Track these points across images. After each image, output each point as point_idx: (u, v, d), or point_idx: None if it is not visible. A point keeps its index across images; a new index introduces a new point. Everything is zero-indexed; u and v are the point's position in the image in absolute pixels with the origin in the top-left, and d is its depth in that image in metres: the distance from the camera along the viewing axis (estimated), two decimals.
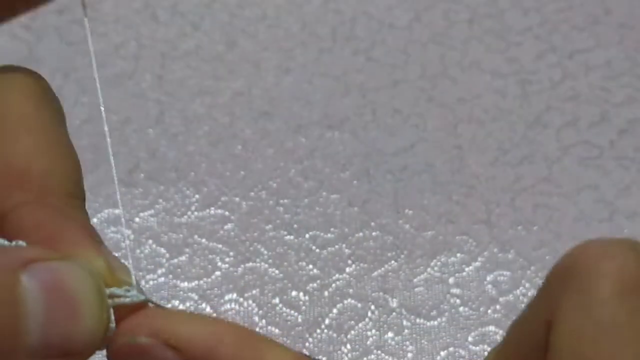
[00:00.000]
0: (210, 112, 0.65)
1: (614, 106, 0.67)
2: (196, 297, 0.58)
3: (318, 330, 0.57)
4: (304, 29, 0.70)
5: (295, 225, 0.61)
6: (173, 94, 0.66)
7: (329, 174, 0.63)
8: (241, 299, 0.58)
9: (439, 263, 0.60)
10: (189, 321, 0.23)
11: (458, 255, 0.60)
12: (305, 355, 0.24)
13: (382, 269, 0.60)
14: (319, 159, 0.63)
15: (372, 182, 0.63)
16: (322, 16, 0.70)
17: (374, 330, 0.57)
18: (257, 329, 0.57)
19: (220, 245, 0.60)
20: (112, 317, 0.23)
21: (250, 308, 0.58)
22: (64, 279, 0.22)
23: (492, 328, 0.58)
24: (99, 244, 0.25)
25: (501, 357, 0.24)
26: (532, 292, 0.59)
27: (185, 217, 0.61)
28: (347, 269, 0.59)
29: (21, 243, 0.24)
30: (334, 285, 0.59)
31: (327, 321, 0.57)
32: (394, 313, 0.58)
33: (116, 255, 0.25)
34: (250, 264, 0.59)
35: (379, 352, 0.57)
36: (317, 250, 0.60)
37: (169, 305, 0.58)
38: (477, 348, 0.57)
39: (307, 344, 0.56)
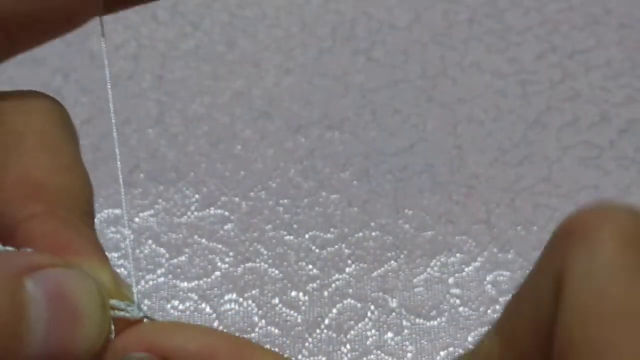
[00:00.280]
0: (210, 112, 0.65)
1: (614, 106, 0.67)
2: (196, 297, 0.58)
3: (318, 331, 0.57)
4: (304, 29, 0.70)
5: (295, 226, 0.61)
6: (173, 94, 0.66)
7: (328, 174, 0.63)
8: (241, 299, 0.58)
9: (438, 263, 0.60)
10: (184, 333, 0.23)
11: (458, 255, 0.60)
12: None
13: (382, 269, 0.60)
14: (318, 159, 0.63)
15: (372, 182, 0.63)
16: (322, 16, 0.70)
17: (373, 331, 0.57)
18: (257, 329, 0.57)
19: (220, 246, 0.60)
20: (112, 328, 0.24)
21: (250, 308, 0.58)
22: (67, 286, 0.22)
23: None
24: (105, 258, 0.25)
25: (504, 329, 0.23)
26: None
27: (185, 217, 0.61)
28: (347, 269, 0.59)
29: (27, 250, 0.24)
30: (333, 285, 0.59)
31: (326, 321, 0.57)
32: (393, 313, 0.58)
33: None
34: (250, 264, 0.59)
35: (379, 352, 0.57)
36: (317, 250, 0.60)
37: (169, 306, 0.58)
38: None
39: (306, 344, 0.56)
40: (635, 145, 0.65)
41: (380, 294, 0.58)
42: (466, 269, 0.60)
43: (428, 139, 0.65)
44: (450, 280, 0.59)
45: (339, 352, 0.56)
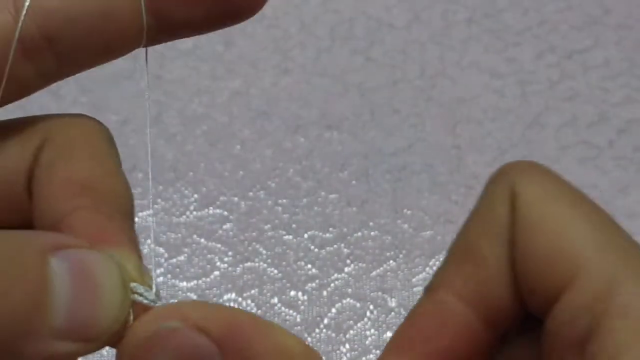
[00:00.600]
0: (208, 112, 0.65)
1: (613, 106, 0.67)
2: (195, 297, 0.58)
3: (317, 330, 0.57)
4: (302, 29, 0.70)
5: (293, 225, 0.61)
6: (172, 94, 0.66)
7: (327, 173, 0.63)
8: (240, 299, 0.58)
9: (437, 263, 0.60)
10: (213, 308, 0.24)
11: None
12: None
13: (381, 268, 0.60)
14: (317, 159, 0.63)
15: (371, 182, 0.63)
16: (320, 16, 0.70)
17: (372, 330, 0.57)
18: None
19: (219, 245, 0.60)
20: (131, 311, 0.24)
21: (249, 308, 0.58)
22: (90, 266, 0.23)
23: None
24: (136, 249, 0.26)
25: (463, 250, 0.25)
26: None
27: (184, 216, 0.61)
28: (346, 269, 0.59)
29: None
30: (332, 285, 0.59)
31: (325, 321, 0.57)
32: (392, 313, 0.58)
33: None
34: (249, 264, 0.59)
35: (378, 351, 0.57)
36: (316, 250, 0.60)
37: None
38: None
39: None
40: (634, 145, 0.65)
41: (379, 293, 0.58)
42: None
43: (427, 139, 0.65)
44: None
45: (338, 351, 0.56)
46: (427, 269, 0.60)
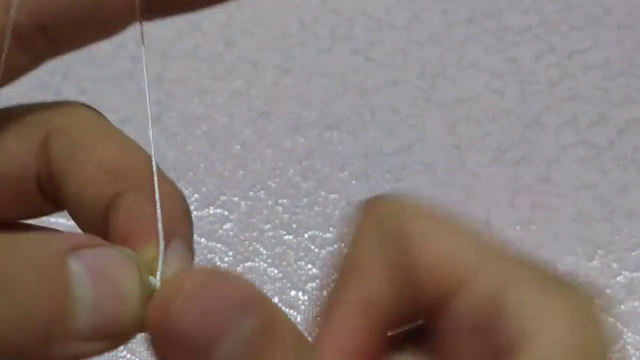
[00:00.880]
0: (209, 112, 0.65)
1: (613, 106, 0.67)
2: None
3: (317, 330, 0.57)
4: (302, 29, 0.70)
5: (294, 225, 0.61)
6: (172, 94, 0.66)
7: (327, 173, 0.63)
8: None
9: None
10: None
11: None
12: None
13: None
14: (317, 159, 0.64)
15: (371, 181, 0.63)
16: (320, 16, 0.70)
17: None
18: None
19: (219, 245, 0.60)
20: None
21: None
22: (108, 265, 0.23)
23: None
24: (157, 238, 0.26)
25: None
26: None
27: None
28: None
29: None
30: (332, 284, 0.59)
31: None
32: None
33: None
34: (249, 264, 0.59)
35: None
36: (316, 249, 0.60)
37: None
38: None
39: None
40: (633, 145, 0.65)
41: None
42: None
43: (427, 139, 0.65)
44: None
45: None
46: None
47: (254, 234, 0.60)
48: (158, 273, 0.25)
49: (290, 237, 0.60)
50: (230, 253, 0.60)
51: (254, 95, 0.66)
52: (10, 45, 0.26)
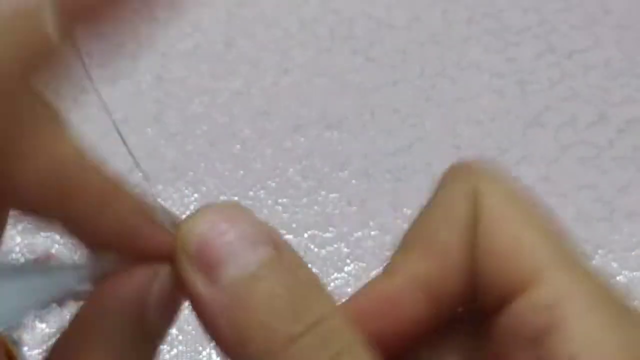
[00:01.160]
0: (209, 111, 0.65)
1: (613, 106, 0.67)
2: None
3: None
4: (302, 29, 0.70)
5: (294, 225, 0.61)
6: (172, 94, 0.66)
7: (327, 173, 0.63)
8: None
9: None
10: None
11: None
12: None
13: (381, 268, 0.60)
14: (317, 159, 0.64)
15: (371, 181, 0.63)
16: (320, 16, 0.70)
17: None
18: None
19: None
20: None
21: None
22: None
23: None
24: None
25: (422, 243, 0.26)
26: None
27: (184, 216, 0.61)
28: (346, 268, 0.59)
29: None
30: (332, 284, 0.59)
31: None
32: None
33: None
34: None
35: None
36: (316, 249, 0.60)
37: None
38: None
39: None
40: (633, 145, 0.65)
41: None
42: None
43: (427, 139, 0.65)
44: None
45: None
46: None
47: None
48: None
49: (290, 236, 0.60)
50: None
51: (254, 95, 0.66)
52: None
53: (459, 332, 0.25)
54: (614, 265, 0.60)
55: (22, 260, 0.24)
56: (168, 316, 0.24)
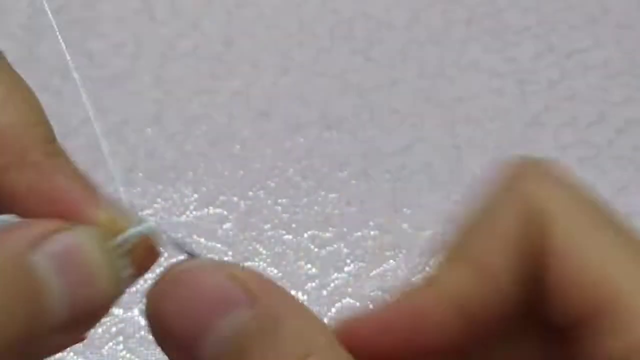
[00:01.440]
0: (208, 111, 0.65)
1: (612, 106, 0.67)
2: None
3: None
4: (302, 28, 0.70)
5: (293, 225, 0.61)
6: (171, 94, 0.66)
7: (327, 173, 0.63)
8: None
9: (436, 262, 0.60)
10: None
11: None
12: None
13: (381, 268, 0.60)
14: (317, 159, 0.64)
15: (371, 181, 0.63)
16: (320, 16, 0.70)
17: None
18: None
19: (218, 245, 0.60)
20: (128, 263, 0.24)
21: None
22: (70, 250, 0.22)
23: None
24: (94, 194, 0.25)
25: (470, 257, 0.24)
26: None
27: (184, 216, 0.61)
28: (346, 268, 0.59)
29: (12, 219, 0.23)
30: (332, 284, 0.59)
31: (325, 320, 0.57)
32: None
33: None
34: (248, 264, 0.59)
35: None
36: (316, 249, 0.60)
37: None
38: None
39: None
40: (633, 145, 0.65)
41: (379, 293, 0.59)
42: None
43: (426, 139, 0.65)
44: None
45: None
46: (427, 268, 0.60)
47: (254, 233, 0.60)
48: (131, 230, 0.24)
49: (290, 236, 0.60)
50: (229, 253, 0.60)
51: (254, 95, 0.66)
52: None
53: (526, 339, 0.23)
54: None
55: None
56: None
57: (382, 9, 0.71)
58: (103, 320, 0.24)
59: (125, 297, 0.25)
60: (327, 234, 0.61)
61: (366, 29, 0.70)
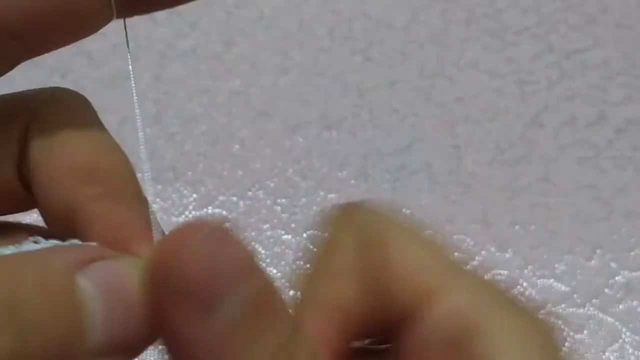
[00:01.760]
0: (207, 111, 0.65)
1: (611, 106, 0.67)
2: None
3: None
4: (301, 28, 0.70)
5: (293, 225, 0.61)
6: (171, 94, 0.66)
7: (326, 173, 0.63)
8: None
9: None
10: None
11: (455, 254, 0.60)
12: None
13: None
14: (316, 159, 0.64)
15: (370, 181, 0.63)
16: (319, 16, 0.70)
17: None
18: None
19: None
20: None
21: None
22: (118, 279, 0.22)
23: None
24: (150, 229, 0.26)
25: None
26: (530, 291, 0.59)
27: (183, 216, 0.61)
28: None
29: (75, 242, 0.24)
30: None
31: None
32: None
33: None
34: None
35: None
36: (315, 249, 0.60)
37: None
38: None
39: None
40: (632, 145, 0.65)
41: None
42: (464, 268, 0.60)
43: (426, 139, 0.65)
44: None
45: None
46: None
47: (253, 233, 0.60)
48: None
49: (289, 236, 0.60)
50: None
51: (253, 95, 0.66)
52: None
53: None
54: (613, 265, 0.60)
55: None
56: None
57: (382, 9, 0.71)
58: None
59: None
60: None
61: (366, 29, 0.70)
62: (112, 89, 0.66)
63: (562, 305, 0.59)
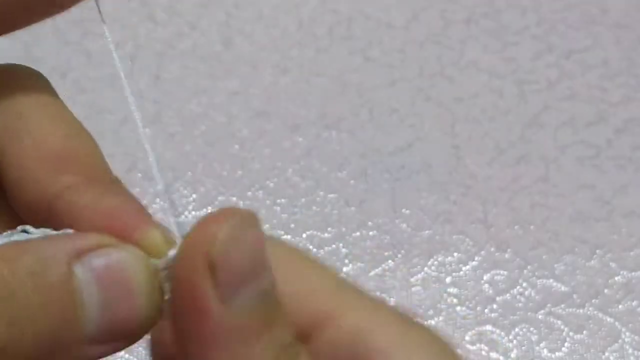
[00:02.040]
0: (207, 111, 0.65)
1: (611, 106, 0.67)
2: None
3: None
4: (300, 28, 0.70)
5: (292, 225, 0.61)
6: (170, 94, 0.66)
7: (326, 173, 0.63)
8: None
9: (436, 262, 0.60)
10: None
11: (455, 254, 0.60)
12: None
13: (379, 268, 0.60)
14: (316, 159, 0.63)
15: (369, 181, 0.63)
16: (319, 16, 0.70)
17: None
18: None
19: None
20: (168, 289, 0.24)
21: None
22: (112, 265, 0.22)
23: (489, 327, 0.58)
24: (146, 218, 0.25)
25: None
26: (529, 292, 0.59)
27: (183, 216, 0.61)
28: (345, 269, 0.59)
29: (68, 231, 0.24)
30: None
31: None
32: None
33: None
34: None
35: None
36: (315, 249, 0.60)
37: None
38: (474, 347, 0.57)
39: None
40: (632, 145, 0.65)
41: (378, 293, 0.59)
42: (463, 268, 0.60)
43: (425, 139, 0.65)
44: (448, 279, 0.59)
45: None
46: (426, 268, 0.60)
47: None
48: (173, 250, 0.24)
49: (289, 236, 0.60)
50: None
51: (253, 95, 0.66)
52: None
53: None
54: (613, 265, 0.60)
55: None
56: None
57: (382, 8, 0.71)
58: None
59: None
60: (326, 234, 0.60)
61: (365, 29, 0.70)
62: (112, 89, 0.65)
63: (562, 305, 0.59)
